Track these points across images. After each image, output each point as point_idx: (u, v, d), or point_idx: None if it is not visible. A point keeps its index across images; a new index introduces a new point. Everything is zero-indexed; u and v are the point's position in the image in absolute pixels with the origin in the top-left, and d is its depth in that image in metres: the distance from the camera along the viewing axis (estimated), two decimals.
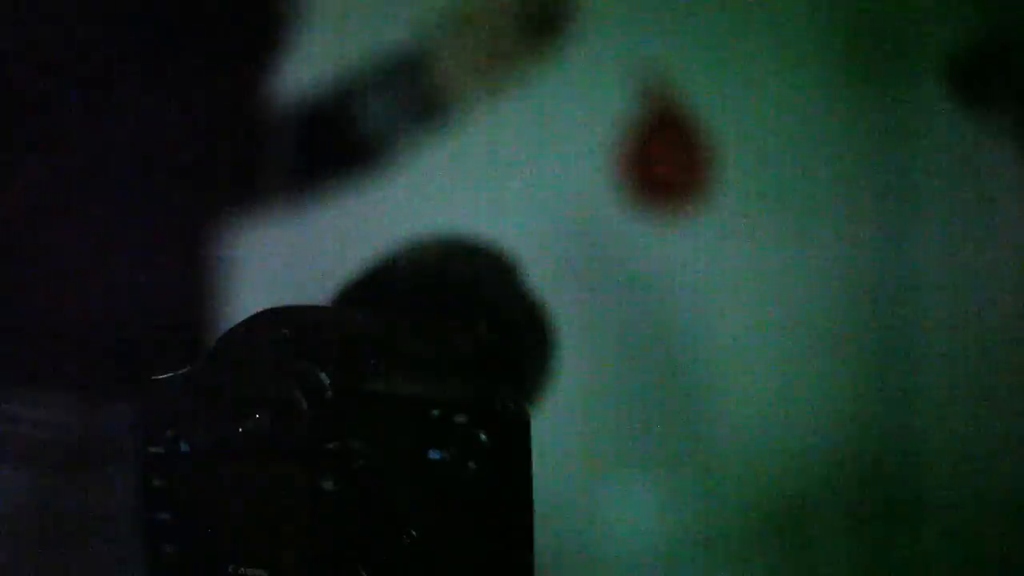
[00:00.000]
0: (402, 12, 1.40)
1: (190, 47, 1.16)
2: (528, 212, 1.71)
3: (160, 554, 0.62)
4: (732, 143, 1.66)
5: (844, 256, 1.72)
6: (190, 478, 0.61)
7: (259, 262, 1.47)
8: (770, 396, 1.76)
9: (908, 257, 1.70)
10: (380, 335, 0.66)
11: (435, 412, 0.58)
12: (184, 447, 0.61)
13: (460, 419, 0.58)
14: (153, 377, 0.61)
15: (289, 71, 1.29)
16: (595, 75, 1.70)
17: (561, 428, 1.54)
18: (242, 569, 0.61)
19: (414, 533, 0.59)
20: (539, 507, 0.59)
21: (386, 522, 0.59)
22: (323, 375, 0.59)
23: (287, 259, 1.63)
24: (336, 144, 1.15)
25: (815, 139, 1.71)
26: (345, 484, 0.59)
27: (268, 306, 0.62)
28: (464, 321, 0.74)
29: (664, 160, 1.63)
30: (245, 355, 0.60)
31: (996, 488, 1.70)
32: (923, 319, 1.71)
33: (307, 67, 1.29)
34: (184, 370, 0.61)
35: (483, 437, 0.58)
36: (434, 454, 0.58)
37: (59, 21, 1.12)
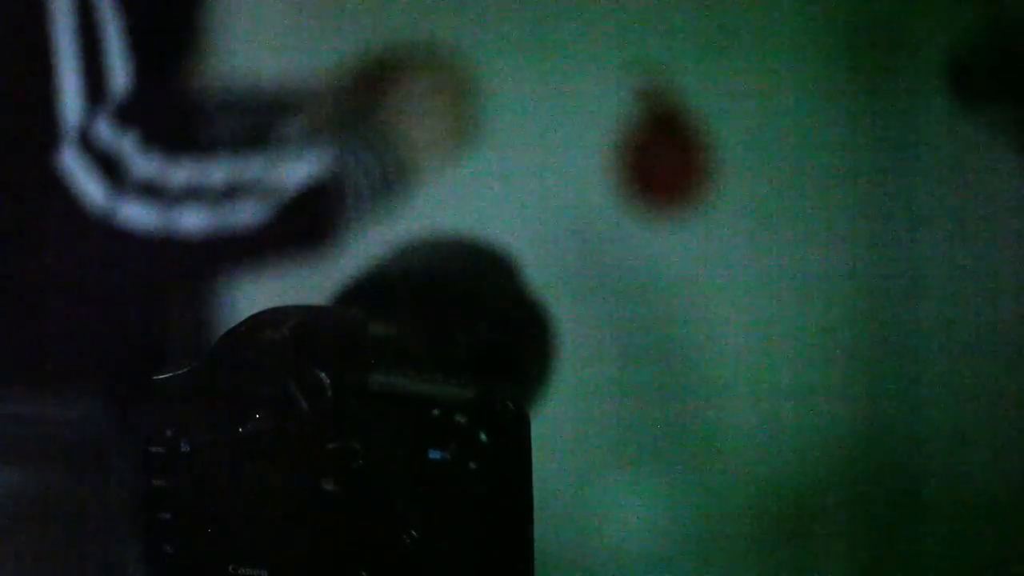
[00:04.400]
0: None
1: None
2: (528, 212, 1.72)
3: (160, 554, 0.62)
4: (732, 143, 1.66)
5: (844, 256, 1.72)
6: (190, 478, 0.61)
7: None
8: (770, 395, 1.76)
9: (908, 257, 1.70)
10: (380, 335, 0.66)
11: (435, 412, 0.58)
12: (184, 447, 0.61)
13: (460, 419, 0.58)
14: (153, 377, 0.61)
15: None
16: (595, 75, 1.70)
17: (561, 428, 1.54)
18: (242, 569, 0.61)
19: (414, 533, 0.59)
20: (539, 506, 0.59)
21: (386, 522, 0.59)
22: (323, 375, 0.59)
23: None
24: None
25: (815, 139, 1.71)
26: (345, 484, 0.59)
27: (268, 306, 0.62)
28: (464, 321, 0.74)
29: (663, 161, 1.63)
30: (245, 355, 0.60)
31: (996, 488, 1.70)
32: (923, 319, 1.71)
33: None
34: (184, 370, 0.61)
35: (483, 437, 0.58)
36: (434, 454, 0.58)
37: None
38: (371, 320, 0.65)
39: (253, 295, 1.32)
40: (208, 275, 1.24)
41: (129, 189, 1.12)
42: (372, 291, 0.75)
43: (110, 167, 1.12)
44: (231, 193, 1.16)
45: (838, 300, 1.73)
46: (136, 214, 1.12)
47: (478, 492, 0.58)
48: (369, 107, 1.31)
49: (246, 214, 1.16)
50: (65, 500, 1.21)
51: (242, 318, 0.61)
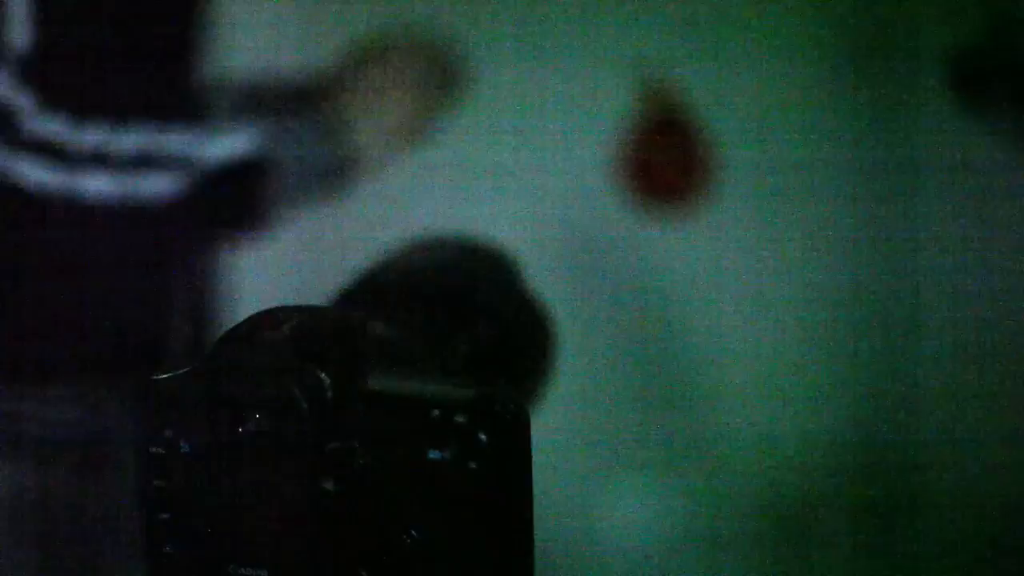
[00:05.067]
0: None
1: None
2: (528, 212, 1.72)
3: (160, 554, 0.62)
4: (732, 143, 1.66)
5: (844, 256, 1.72)
6: (190, 478, 0.61)
7: (259, 262, 1.47)
8: (770, 395, 1.76)
9: (908, 257, 1.70)
10: (380, 335, 0.66)
11: (435, 412, 0.58)
12: (184, 447, 0.61)
13: (460, 419, 0.58)
14: (153, 377, 0.61)
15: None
16: (595, 75, 1.70)
17: (561, 428, 1.54)
18: (242, 569, 0.61)
19: (414, 533, 0.59)
20: (539, 507, 0.59)
21: (386, 522, 0.59)
22: (323, 375, 0.59)
23: (287, 259, 1.63)
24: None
25: (815, 139, 1.71)
26: (345, 484, 0.59)
27: (268, 306, 0.62)
28: (464, 321, 0.74)
29: (664, 160, 1.63)
30: (245, 355, 0.60)
31: (996, 488, 1.70)
32: (923, 319, 1.71)
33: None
34: (184, 370, 0.61)
35: (483, 437, 0.58)
36: (434, 454, 0.58)
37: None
38: (371, 320, 0.65)
39: (253, 295, 1.32)
40: (115, 243, 1.20)
41: (23, 147, 1.10)
42: (372, 291, 0.75)
43: (4, 124, 1.10)
44: (143, 162, 1.13)
45: (838, 300, 1.73)
46: (31, 173, 1.11)
47: (478, 492, 0.58)
48: (328, 90, 1.29)
49: (158, 185, 1.13)
50: (65, 500, 1.21)
51: (242, 318, 0.61)
